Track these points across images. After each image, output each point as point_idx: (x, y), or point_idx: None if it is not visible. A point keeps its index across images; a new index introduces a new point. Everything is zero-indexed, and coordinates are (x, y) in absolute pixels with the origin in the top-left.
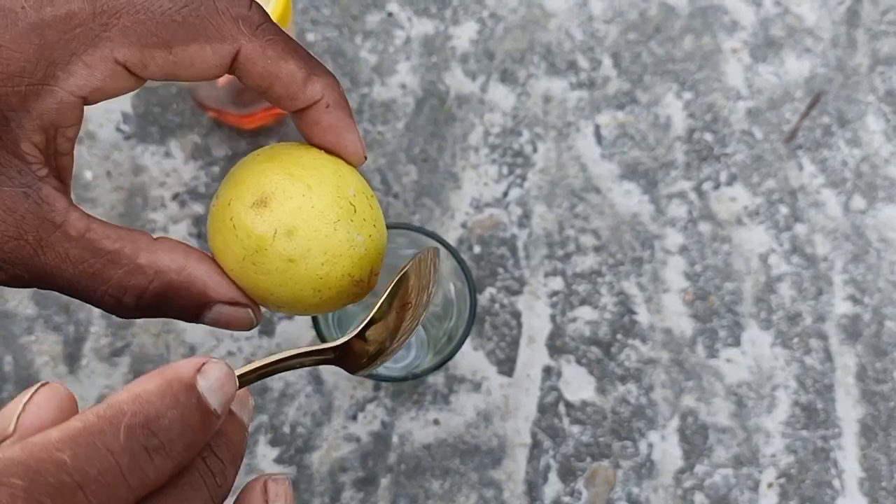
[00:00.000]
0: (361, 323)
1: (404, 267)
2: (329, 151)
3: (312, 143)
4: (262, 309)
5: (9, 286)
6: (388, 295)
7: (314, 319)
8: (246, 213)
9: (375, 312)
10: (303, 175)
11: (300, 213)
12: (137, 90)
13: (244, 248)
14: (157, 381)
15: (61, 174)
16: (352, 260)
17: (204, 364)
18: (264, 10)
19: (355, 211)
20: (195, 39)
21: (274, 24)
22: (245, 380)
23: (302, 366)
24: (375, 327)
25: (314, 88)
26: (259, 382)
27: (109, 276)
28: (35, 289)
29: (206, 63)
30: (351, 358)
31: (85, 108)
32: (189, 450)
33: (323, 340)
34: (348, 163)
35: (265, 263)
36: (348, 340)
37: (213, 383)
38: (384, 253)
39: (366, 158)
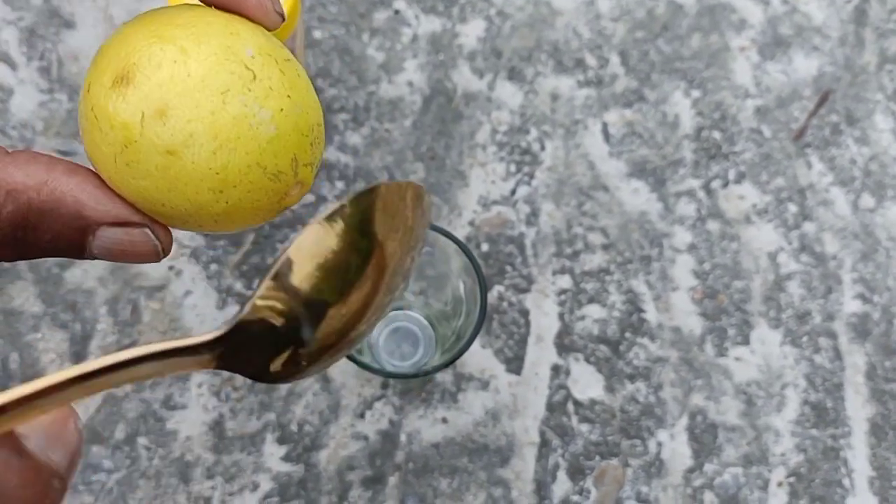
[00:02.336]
0: (253, 294)
1: (341, 204)
2: (227, 9)
3: (208, 3)
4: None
5: None
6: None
7: None
8: (106, 97)
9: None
10: (176, 36)
11: (172, 86)
12: None
13: (111, 145)
14: None
15: None
16: (258, 143)
17: None
18: None
19: (254, 77)
20: None
21: None
22: (42, 401)
23: (147, 377)
24: (308, 301)
25: None
26: None
27: None
28: (41, 287)
29: None
30: (257, 353)
31: None
32: None
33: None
34: (256, 23)
35: (140, 162)
36: (239, 328)
37: None
38: (317, 136)
39: (283, 18)
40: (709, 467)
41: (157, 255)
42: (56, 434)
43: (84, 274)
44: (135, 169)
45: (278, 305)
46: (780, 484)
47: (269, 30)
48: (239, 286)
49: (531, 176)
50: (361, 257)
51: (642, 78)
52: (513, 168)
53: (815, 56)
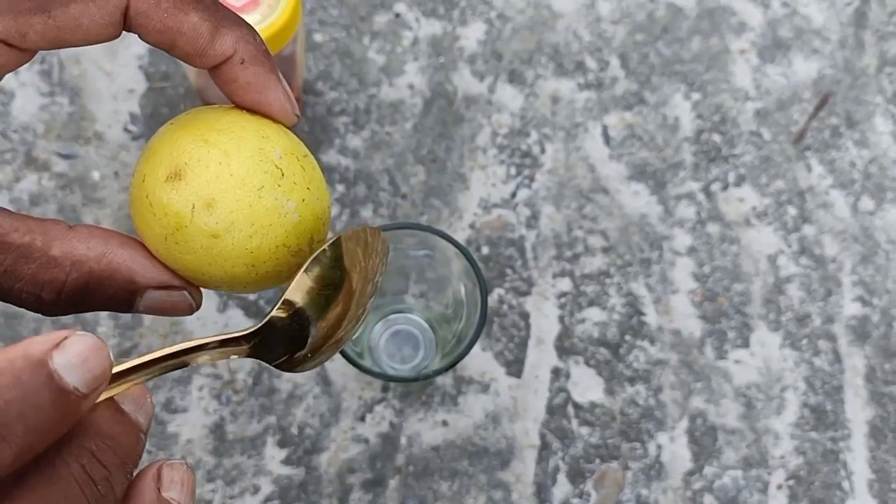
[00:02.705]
0: (274, 306)
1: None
2: (253, 112)
3: (235, 104)
4: (204, 290)
5: None
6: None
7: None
8: (161, 189)
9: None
10: (219, 140)
11: (218, 183)
12: (147, 92)
13: (164, 227)
14: None
15: None
16: (285, 229)
17: (65, 338)
18: None
19: (283, 175)
20: None
21: None
22: (134, 376)
23: (207, 361)
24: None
25: (224, 42)
26: (266, 383)
27: (23, 272)
28: None
29: (93, 23)
30: (275, 349)
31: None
32: (35, 434)
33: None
34: (277, 123)
35: (188, 242)
36: (266, 325)
37: (72, 358)
38: (327, 218)
39: (298, 118)
40: (708, 470)
41: (192, 311)
42: (140, 401)
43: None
44: (182, 247)
45: (282, 315)
46: (779, 486)
47: (288, 127)
48: None
49: (531, 179)
50: (335, 285)
51: (642, 81)
52: (513, 171)
53: (814, 59)
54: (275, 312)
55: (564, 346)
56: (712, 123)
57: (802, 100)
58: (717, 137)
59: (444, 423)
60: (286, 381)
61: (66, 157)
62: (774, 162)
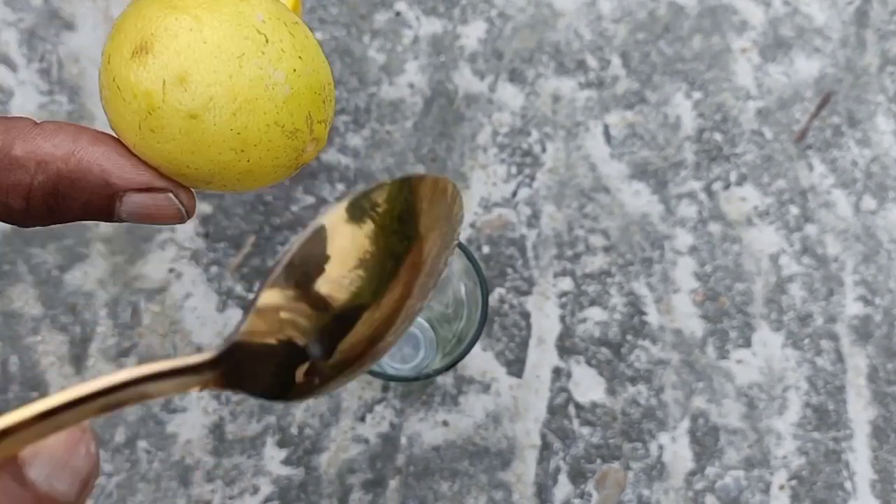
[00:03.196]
0: (251, 306)
1: (376, 186)
2: None
3: None
4: (195, 192)
5: None
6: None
7: None
8: (126, 67)
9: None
10: (188, 5)
11: (190, 53)
12: None
13: (135, 113)
14: None
15: None
16: (274, 103)
17: None
18: None
19: (267, 41)
20: None
21: None
22: (31, 431)
23: (153, 397)
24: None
25: None
26: None
27: None
28: (41, 289)
29: None
30: (266, 370)
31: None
32: None
33: None
34: None
35: (164, 127)
36: (240, 347)
37: None
38: (328, 94)
39: None
40: (710, 470)
41: (182, 217)
42: (63, 460)
43: (84, 276)
44: (159, 134)
45: (291, 317)
46: (781, 487)
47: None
48: (239, 289)
49: (532, 178)
50: (397, 257)
51: (643, 79)
52: (514, 170)
53: (816, 58)
54: (272, 314)
55: (565, 346)
56: (714, 122)
57: (804, 99)
58: (718, 136)
59: (445, 423)
60: None
61: None
62: (776, 161)
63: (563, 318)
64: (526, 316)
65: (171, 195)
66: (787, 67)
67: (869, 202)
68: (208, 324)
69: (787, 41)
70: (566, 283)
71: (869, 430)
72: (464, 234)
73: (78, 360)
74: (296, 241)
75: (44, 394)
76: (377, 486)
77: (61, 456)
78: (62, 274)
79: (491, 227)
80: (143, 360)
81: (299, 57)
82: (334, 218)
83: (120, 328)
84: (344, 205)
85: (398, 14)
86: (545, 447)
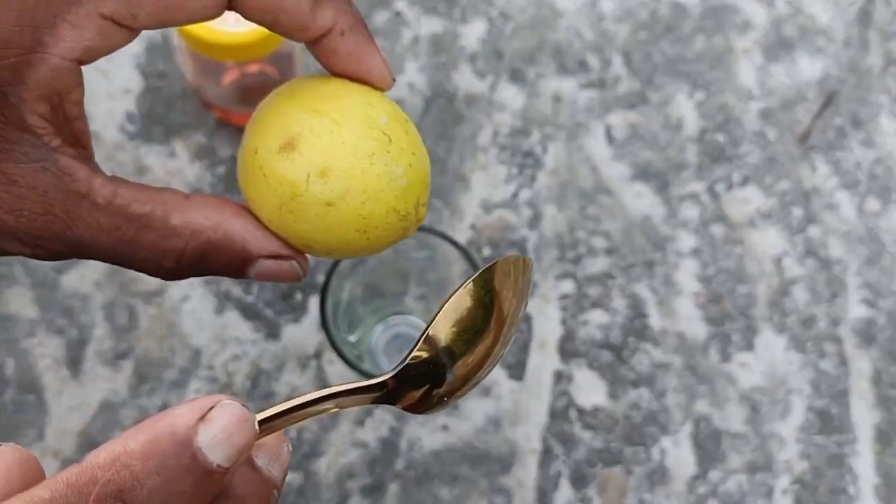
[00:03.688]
0: (416, 343)
1: (477, 272)
2: (353, 79)
3: (334, 74)
4: (308, 257)
5: (50, 260)
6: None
7: (321, 306)
8: (275, 160)
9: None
10: (328, 109)
11: (331, 152)
12: (144, 91)
13: (279, 197)
14: (143, 437)
15: (79, 140)
16: (394, 193)
17: (211, 409)
18: None
19: (390, 140)
20: None
21: None
22: (271, 425)
23: (343, 406)
24: (454, 345)
25: (324, 15)
26: (264, 386)
27: (145, 241)
28: (38, 292)
29: (198, 3)
30: (412, 392)
31: (84, 68)
32: None
33: (333, 344)
34: (375, 89)
35: (303, 210)
36: (403, 371)
37: (217, 434)
38: (429, 181)
39: (394, 81)
40: (713, 475)
41: (299, 279)
42: (276, 453)
43: (81, 279)
44: (297, 216)
45: (423, 354)
46: (784, 491)
47: (383, 91)
48: (237, 291)
49: (533, 179)
50: (486, 314)
51: (645, 80)
52: (515, 171)
53: (819, 58)
54: (416, 353)
55: (567, 349)
56: (716, 123)
57: (807, 99)
58: (721, 137)
59: (445, 428)
60: (284, 384)
61: None
62: (779, 162)
63: (564, 321)
64: (527, 318)
65: (294, 263)
66: (790, 68)
67: (873, 204)
68: (206, 327)
69: (789, 41)
70: (567, 286)
71: (873, 434)
72: (464, 235)
73: (74, 364)
74: (439, 308)
75: (40, 396)
76: (376, 491)
77: (275, 451)
78: (59, 276)
79: (491, 228)
80: (139, 364)
81: (413, 153)
82: (462, 291)
83: (117, 331)
84: (468, 282)
85: (398, 14)
86: (546, 451)
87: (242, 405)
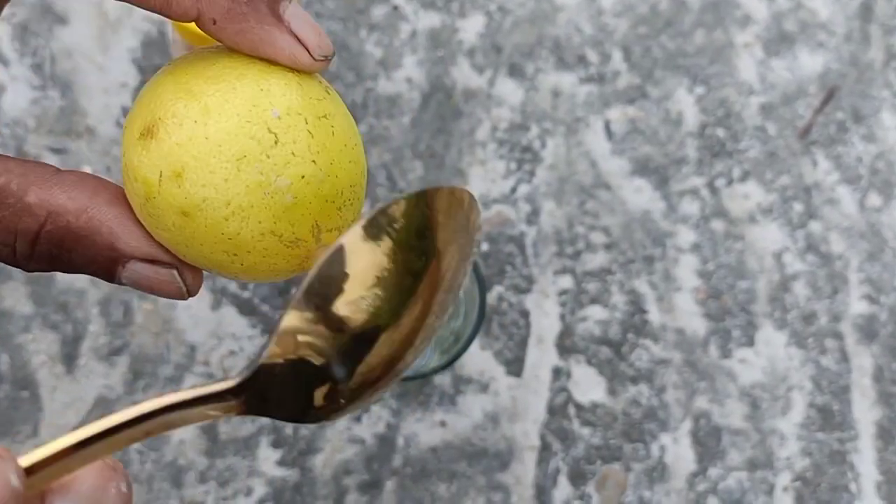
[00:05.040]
0: (273, 332)
1: (390, 203)
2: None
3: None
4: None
5: None
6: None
7: None
8: (133, 148)
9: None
10: (205, 91)
11: (190, 148)
12: (140, 86)
13: (137, 195)
14: None
15: None
16: (271, 212)
17: None
18: None
19: (276, 142)
20: None
21: None
22: (65, 463)
23: (173, 426)
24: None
25: (180, 3)
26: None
27: None
28: (32, 287)
29: None
30: (289, 394)
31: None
32: None
33: None
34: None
35: (160, 216)
36: (263, 371)
37: None
38: (347, 198)
39: (325, 59)
40: (713, 471)
41: (182, 295)
42: (93, 499)
43: (76, 274)
44: (156, 220)
45: (315, 341)
46: (785, 488)
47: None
48: (233, 287)
49: (532, 174)
50: (414, 273)
51: (645, 74)
52: (513, 166)
53: (820, 52)
54: (289, 336)
55: (565, 345)
56: (716, 118)
57: (808, 94)
58: (721, 132)
59: (443, 424)
60: None
61: (57, 151)
62: (780, 157)
63: (562, 317)
64: (525, 314)
65: (174, 272)
66: (791, 62)
67: (874, 199)
68: (201, 323)
69: (790, 36)
70: (566, 281)
71: (874, 430)
72: None
73: (69, 359)
74: (316, 263)
75: (34, 392)
76: (373, 487)
77: (91, 494)
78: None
79: (490, 224)
80: (134, 360)
81: (313, 161)
82: (352, 238)
83: (112, 327)
84: (362, 223)
85: (396, 8)
86: (544, 448)
87: None
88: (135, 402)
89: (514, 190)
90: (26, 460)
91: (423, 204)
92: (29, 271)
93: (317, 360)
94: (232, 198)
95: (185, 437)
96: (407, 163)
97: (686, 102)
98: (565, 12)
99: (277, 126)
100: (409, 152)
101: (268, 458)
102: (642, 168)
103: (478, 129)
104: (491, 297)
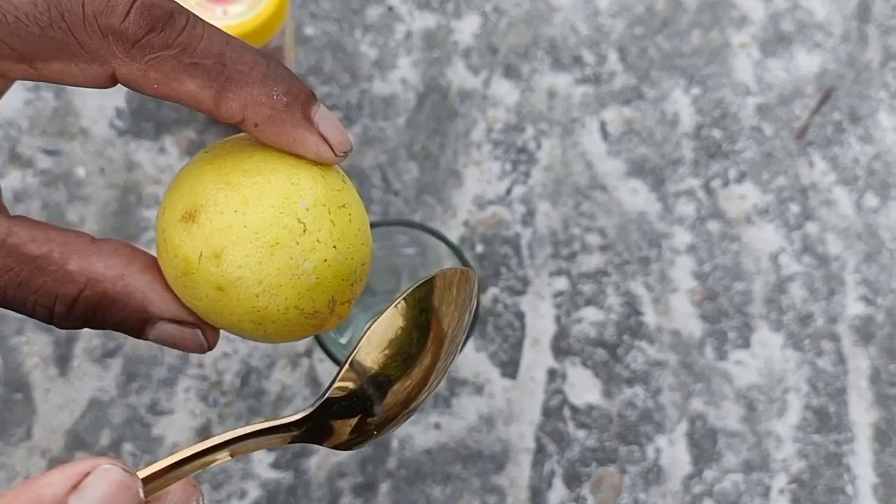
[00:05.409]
0: (337, 374)
1: (410, 287)
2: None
3: None
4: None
5: None
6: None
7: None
8: (173, 228)
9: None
10: (242, 184)
11: (230, 234)
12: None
13: (174, 269)
14: None
15: None
16: (297, 291)
17: (87, 476)
18: (152, 15)
19: (304, 230)
20: (57, 56)
21: (169, 29)
22: (165, 478)
23: (253, 449)
24: (380, 374)
25: (229, 109)
26: (255, 385)
27: (38, 284)
28: None
29: (77, 80)
30: (338, 426)
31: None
32: None
33: (321, 344)
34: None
35: (195, 288)
36: (324, 405)
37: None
38: (358, 276)
39: (345, 154)
40: (708, 474)
41: (203, 350)
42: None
43: None
44: (191, 291)
45: (350, 385)
46: (781, 491)
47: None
48: None
49: (527, 175)
50: (422, 333)
51: (641, 75)
52: (508, 167)
53: (817, 53)
54: (338, 384)
55: (561, 347)
56: (712, 119)
57: (805, 95)
58: (717, 133)
59: (437, 426)
60: (274, 382)
61: (50, 153)
62: (776, 158)
63: (558, 319)
64: (520, 316)
65: (198, 332)
66: (788, 63)
67: (871, 200)
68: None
69: (787, 36)
70: (561, 283)
71: (871, 432)
72: (457, 232)
73: (63, 362)
74: (364, 332)
75: (27, 395)
76: (368, 490)
77: (185, 498)
78: None
79: (485, 225)
80: (128, 362)
81: (334, 246)
82: (388, 311)
83: None
84: (396, 301)
85: (391, 8)
86: (540, 450)
87: (124, 469)
88: (128, 405)
89: (509, 191)
90: (143, 473)
91: (429, 284)
92: (61, 328)
93: (352, 399)
94: (264, 278)
95: (178, 440)
96: (402, 164)
97: (682, 103)
98: (561, 13)
99: (306, 216)
100: (404, 153)
101: (262, 461)
102: (638, 169)
103: (473, 130)
104: (486, 298)
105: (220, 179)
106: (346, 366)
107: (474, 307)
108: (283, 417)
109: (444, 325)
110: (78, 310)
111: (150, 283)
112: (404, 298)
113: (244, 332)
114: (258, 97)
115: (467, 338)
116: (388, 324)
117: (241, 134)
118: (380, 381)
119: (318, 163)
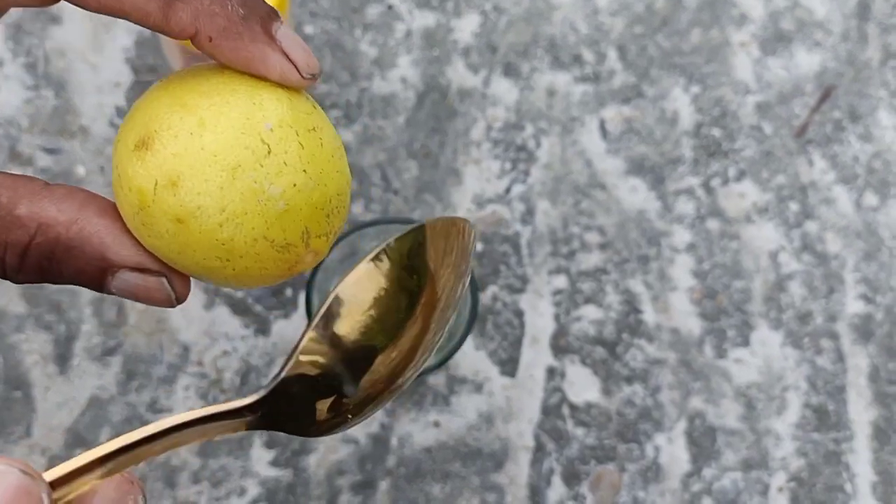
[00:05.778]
0: (295, 349)
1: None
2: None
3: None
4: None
5: None
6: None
7: (307, 303)
8: (127, 159)
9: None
10: (199, 105)
11: (186, 158)
12: (133, 85)
13: (130, 205)
14: None
15: None
16: (265, 219)
17: None
18: None
19: (269, 152)
20: None
21: None
22: (87, 477)
23: (195, 440)
24: (348, 343)
25: (179, 21)
26: (254, 382)
27: None
28: (25, 287)
29: None
30: (309, 408)
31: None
32: None
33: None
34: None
35: (153, 224)
36: (282, 385)
37: None
38: (335, 206)
39: (314, 77)
40: (707, 472)
41: (171, 303)
42: (113, 498)
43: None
44: (149, 229)
45: (320, 359)
46: (780, 489)
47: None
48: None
49: (527, 173)
50: (411, 295)
51: (641, 73)
52: (508, 165)
53: (817, 51)
54: (307, 357)
55: (560, 345)
56: (712, 117)
57: (804, 93)
58: (716, 131)
59: (436, 424)
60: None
61: (50, 151)
62: (776, 156)
63: (557, 317)
64: (519, 314)
65: (164, 280)
66: (788, 61)
67: (870, 198)
68: (195, 322)
69: (787, 35)
70: (561, 281)
71: (870, 430)
72: None
73: (62, 360)
74: (333, 289)
75: (27, 393)
76: (367, 487)
77: (117, 500)
78: None
79: (484, 223)
80: (128, 360)
81: (304, 171)
82: (365, 266)
83: (105, 327)
84: (370, 256)
85: (390, 7)
86: (539, 448)
87: (23, 471)
88: (128, 403)
89: (508, 189)
90: (51, 475)
91: (417, 235)
92: (18, 283)
93: (323, 377)
94: (227, 205)
95: None
96: (401, 162)
97: (682, 102)
98: (560, 11)
99: (270, 137)
100: (403, 152)
101: (261, 459)
102: (637, 167)
103: (472, 129)
104: (485, 296)
105: (175, 102)
106: (311, 331)
107: (470, 270)
108: (234, 401)
109: (438, 289)
110: (31, 258)
111: (108, 226)
112: (386, 252)
113: (213, 275)
114: (211, 7)
115: (469, 330)
116: (366, 281)
117: (201, 63)
118: (358, 354)
119: (284, 86)
